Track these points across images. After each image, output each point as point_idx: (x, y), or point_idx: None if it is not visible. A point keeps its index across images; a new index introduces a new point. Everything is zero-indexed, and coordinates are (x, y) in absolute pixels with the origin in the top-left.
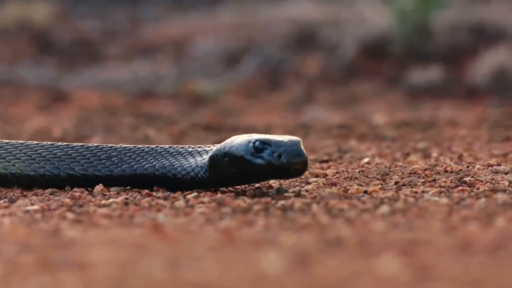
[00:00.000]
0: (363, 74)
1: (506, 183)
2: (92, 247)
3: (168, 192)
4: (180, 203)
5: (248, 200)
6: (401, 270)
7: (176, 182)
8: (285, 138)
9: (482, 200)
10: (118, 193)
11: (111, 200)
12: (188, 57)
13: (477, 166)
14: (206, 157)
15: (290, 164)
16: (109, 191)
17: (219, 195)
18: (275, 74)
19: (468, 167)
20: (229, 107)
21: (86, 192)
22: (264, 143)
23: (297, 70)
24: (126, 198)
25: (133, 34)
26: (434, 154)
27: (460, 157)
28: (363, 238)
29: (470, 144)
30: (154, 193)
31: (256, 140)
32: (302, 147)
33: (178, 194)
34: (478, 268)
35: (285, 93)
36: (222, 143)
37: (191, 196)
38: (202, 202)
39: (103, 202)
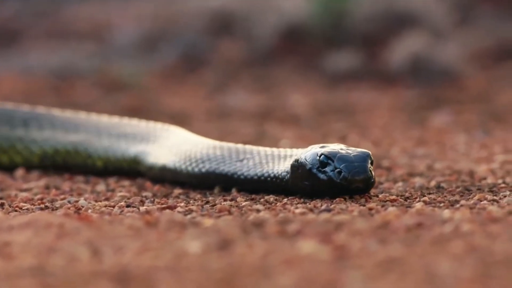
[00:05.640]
0: (282, 59)
1: (423, 167)
2: (13, 230)
3: (89, 176)
4: (101, 187)
5: (168, 185)
6: (320, 250)
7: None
8: (353, 152)
9: (400, 183)
10: (39, 177)
11: (33, 184)
12: (109, 41)
13: (395, 150)
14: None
15: (351, 182)
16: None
17: (139, 179)
18: (195, 59)
19: (386, 151)
20: (149, 92)
21: (7, 176)
22: (328, 158)
23: (216, 55)
24: (47, 182)
25: (53, 17)
26: (352, 138)
27: (378, 140)
28: (283, 220)
29: (387, 128)
30: (75, 177)
31: (322, 154)
32: (369, 162)
33: (98, 178)
34: (395, 248)
35: (205, 78)
36: (302, 151)
37: (111, 180)
38: (122, 186)
39: (25, 186)
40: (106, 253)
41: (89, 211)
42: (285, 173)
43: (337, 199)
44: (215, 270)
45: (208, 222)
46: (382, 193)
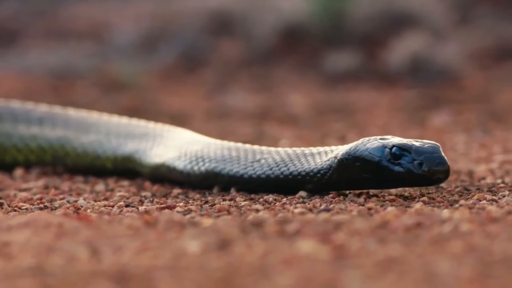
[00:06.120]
0: (281, 59)
1: None
2: (12, 230)
3: (88, 176)
4: (100, 186)
5: (167, 184)
6: (320, 250)
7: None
8: (425, 143)
9: None
10: (38, 177)
11: (32, 183)
12: (108, 41)
13: None
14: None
15: (434, 173)
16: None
17: (138, 179)
18: (194, 59)
19: None
20: (148, 92)
21: (6, 175)
22: (403, 150)
23: (215, 55)
24: (46, 182)
25: (52, 17)
26: (351, 138)
27: None
28: (282, 220)
29: (387, 128)
30: (74, 177)
31: (394, 146)
32: (443, 153)
33: (98, 178)
34: (394, 248)
35: (204, 78)
36: (352, 145)
37: (111, 180)
38: (122, 186)
39: (24, 186)
40: (105, 253)
41: (88, 210)
42: (325, 170)
43: (336, 198)
44: (214, 269)
45: (207, 222)
46: (381, 192)
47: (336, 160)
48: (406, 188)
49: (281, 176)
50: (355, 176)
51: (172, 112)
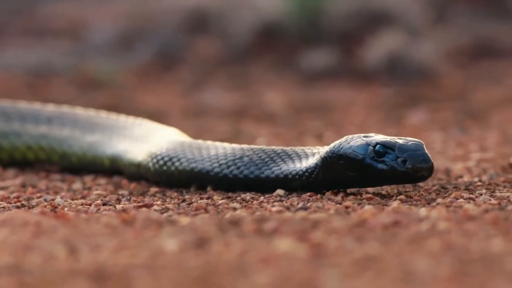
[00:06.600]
0: (258, 57)
1: None
2: None
3: (65, 174)
4: (77, 185)
5: (144, 183)
6: (297, 248)
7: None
8: (408, 141)
9: None
10: (15, 175)
11: (9, 182)
12: (85, 39)
13: None
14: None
15: (417, 170)
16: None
17: (115, 178)
18: (171, 57)
19: None
20: (125, 90)
21: None
22: (386, 147)
23: (192, 53)
24: (24, 180)
25: (29, 15)
26: (328, 136)
27: None
28: (259, 218)
29: (364, 126)
30: (51, 175)
31: (377, 144)
32: (426, 150)
33: (75, 176)
34: (372, 246)
35: (181, 76)
36: (336, 143)
37: (88, 178)
38: (99, 184)
39: (1, 184)
40: (83, 251)
41: (66, 209)
42: (312, 169)
43: (313, 197)
44: (192, 268)
45: (184, 220)
46: (358, 191)
47: (320, 158)
48: (384, 187)
49: (272, 175)
50: (339, 174)
51: (149, 110)
